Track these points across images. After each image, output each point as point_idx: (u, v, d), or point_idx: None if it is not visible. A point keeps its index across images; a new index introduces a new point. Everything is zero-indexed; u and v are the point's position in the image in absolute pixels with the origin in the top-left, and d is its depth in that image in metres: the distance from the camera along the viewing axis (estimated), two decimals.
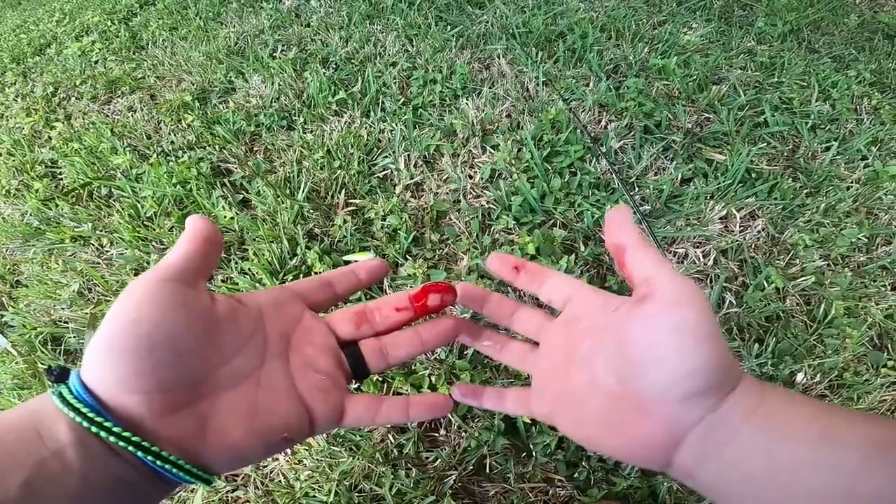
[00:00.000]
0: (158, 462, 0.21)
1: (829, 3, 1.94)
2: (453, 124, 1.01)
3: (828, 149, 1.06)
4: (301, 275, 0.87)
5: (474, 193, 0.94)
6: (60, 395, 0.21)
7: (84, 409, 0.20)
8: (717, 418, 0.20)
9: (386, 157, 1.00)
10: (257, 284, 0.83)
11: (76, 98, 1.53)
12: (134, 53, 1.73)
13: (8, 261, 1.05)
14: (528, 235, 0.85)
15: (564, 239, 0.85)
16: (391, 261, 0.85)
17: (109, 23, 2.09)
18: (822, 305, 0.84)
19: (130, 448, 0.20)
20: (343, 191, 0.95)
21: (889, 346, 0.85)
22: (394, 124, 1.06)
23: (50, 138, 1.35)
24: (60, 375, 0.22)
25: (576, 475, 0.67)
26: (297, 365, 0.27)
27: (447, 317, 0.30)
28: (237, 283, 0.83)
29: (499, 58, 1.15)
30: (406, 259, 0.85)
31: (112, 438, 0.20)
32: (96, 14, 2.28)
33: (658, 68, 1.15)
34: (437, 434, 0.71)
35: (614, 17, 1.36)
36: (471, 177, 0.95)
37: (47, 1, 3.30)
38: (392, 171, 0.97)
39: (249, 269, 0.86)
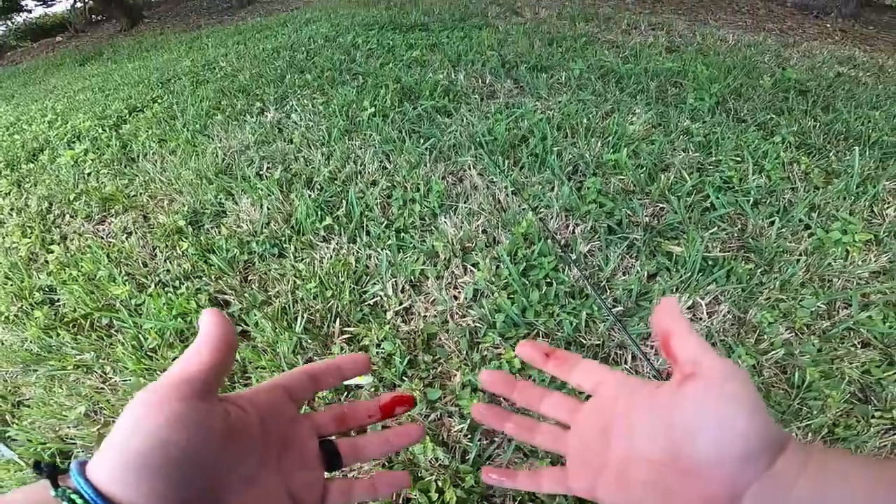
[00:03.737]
0: None
1: (744, 68, 2.18)
2: (434, 246, 1.09)
3: (772, 223, 1.18)
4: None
5: (460, 313, 1.00)
6: (72, 502, 0.21)
7: None
8: (772, 475, 0.22)
9: (375, 283, 1.06)
10: None
11: (70, 216, 1.57)
12: (125, 167, 1.80)
13: (9, 384, 1.06)
14: (514, 350, 0.91)
15: None
16: (388, 383, 0.90)
17: (100, 129, 2.19)
18: (798, 373, 0.91)
19: None
20: (338, 320, 1.01)
21: (873, 397, 0.92)
22: (379, 249, 1.14)
23: (47, 262, 1.39)
24: (53, 473, 0.23)
25: None
26: (288, 465, 0.29)
27: (413, 426, 0.34)
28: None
29: (470, 169, 1.27)
30: (403, 381, 0.90)
31: None
32: (87, 118, 2.38)
33: (612, 163, 1.28)
34: None
35: (567, 114, 1.51)
36: (455, 297, 1.03)
37: (40, 97, 3.43)
38: (382, 298, 1.03)
39: None
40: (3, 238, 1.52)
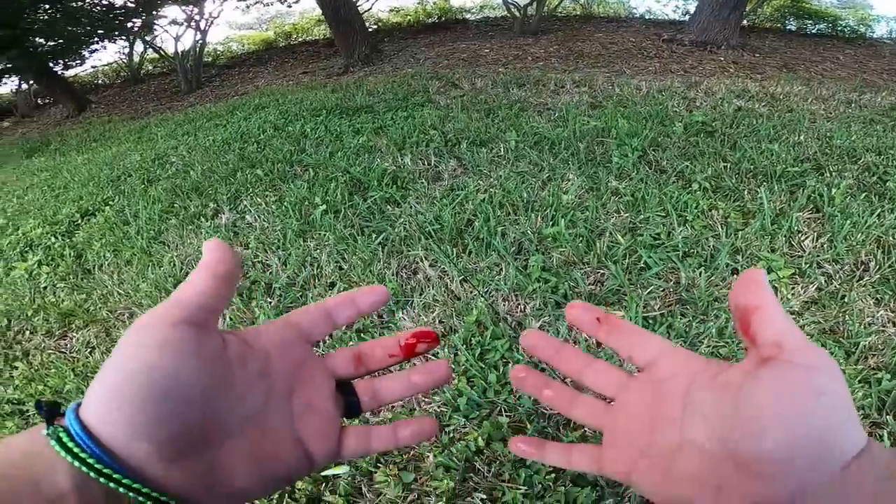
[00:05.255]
0: None
1: (658, 116, 2.42)
2: None
3: (701, 273, 1.29)
4: None
5: (427, 401, 1.04)
6: (59, 440, 0.20)
7: (90, 459, 0.20)
8: (840, 479, 0.20)
9: None
10: None
11: (30, 332, 1.54)
12: (82, 279, 1.77)
13: None
14: (477, 429, 0.95)
15: (510, 423, 0.96)
16: (364, 471, 0.92)
17: (53, 237, 2.14)
18: None
19: (140, 498, 0.20)
20: None
21: None
22: None
23: (12, 377, 1.34)
24: (50, 412, 0.22)
25: None
26: (298, 407, 0.27)
27: (440, 363, 0.30)
28: None
29: (422, 261, 1.34)
30: (378, 467, 0.92)
31: (122, 489, 0.20)
32: (38, 223, 2.32)
33: (552, 236, 1.39)
34: None
35: (508, 190, 1.63)
36: None
37: None
38: None
39: None
40: None
